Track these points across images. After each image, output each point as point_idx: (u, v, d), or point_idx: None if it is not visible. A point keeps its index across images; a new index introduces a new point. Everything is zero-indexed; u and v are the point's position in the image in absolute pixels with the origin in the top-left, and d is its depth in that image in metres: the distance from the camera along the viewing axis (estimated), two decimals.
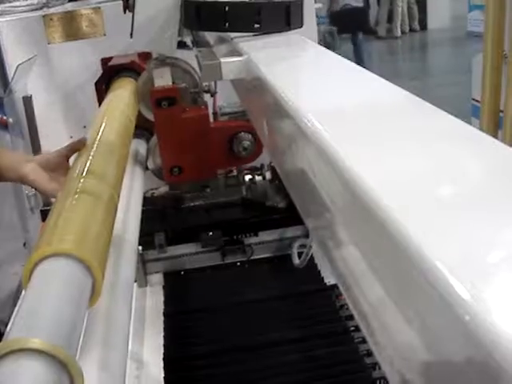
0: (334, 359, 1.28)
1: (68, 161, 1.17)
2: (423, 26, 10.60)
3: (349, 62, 0.65)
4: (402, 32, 10.42)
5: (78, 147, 1.16)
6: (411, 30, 10.59)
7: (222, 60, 0.82)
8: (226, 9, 0.91)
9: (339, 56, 0.68)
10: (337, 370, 1.25)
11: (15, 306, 1.00)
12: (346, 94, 0.55)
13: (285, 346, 1.33)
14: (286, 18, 0.93)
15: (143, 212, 1.21)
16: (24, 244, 2.81)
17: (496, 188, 0.34)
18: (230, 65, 0.81)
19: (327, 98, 0.53)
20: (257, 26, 0.92)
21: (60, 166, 1.15)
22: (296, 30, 0.97)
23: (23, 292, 0.64)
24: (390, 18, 10.53)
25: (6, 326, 1.56)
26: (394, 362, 0.37)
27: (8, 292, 2.91)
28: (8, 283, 3.00)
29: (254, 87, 0.77)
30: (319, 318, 1.40)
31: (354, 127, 0.48)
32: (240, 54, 0.84)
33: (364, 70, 0.60)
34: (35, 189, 1.17)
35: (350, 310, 0.55)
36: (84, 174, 0.87)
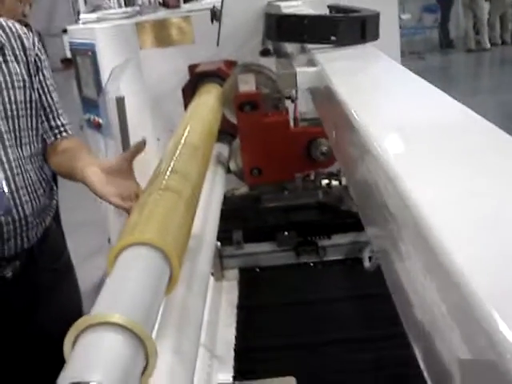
0: (397, 360, 1.31)
1: (130, 165, 1.23)
2: None
3: (416, 76, 0.68)
4: (494, 44, 10.17)
5: (138, 150, 1.22)
6: (503, 42, 10.31)
7: (298, 70, 0.86)
8: (305, 22, 0.96)
9: (408, 70, 0.71)
10: (400, 371, 1.28)
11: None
12: (409, 110, 0.58)
13: (351, 344, 1.37)
14: (361, 32, 0.97)
15: (223, 210, 1.28)
16: (108, 240, 2.93)
17: None
18: (304, 74, 0.85)
19: (391, 114, 0.57)
20: (333, 38, 0.96)
21: (121, 170, 1.22)
22: (374, 42, 1.01)
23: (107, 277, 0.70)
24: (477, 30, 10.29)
25: None
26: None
27: (92, 285, 3.05)
28: (92, 276, 3.14)
29: (325, 96, 0.81)
30: (385, 321, 1.43)
31: (415, 146, 0.51)
32: (315, 65, 0.89)
33: (431, 86, 0.63)
34: (92, 190, 1.24)
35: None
36: (168, 172, 0.93)
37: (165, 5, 2.51)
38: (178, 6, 2.48)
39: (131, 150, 1.23)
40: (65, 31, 12.83)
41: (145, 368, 0.57)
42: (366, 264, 1.60)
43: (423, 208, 0.39)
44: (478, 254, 0.33)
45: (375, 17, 0.99)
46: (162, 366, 0.63)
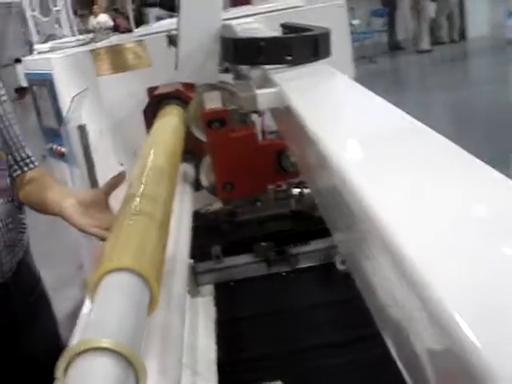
0: (374, 361, 1.35)
1: (107, 198, 1.25)
2: (462, 35, 10.56)
3: (367, 90, 0.73)
4: (441, 42, 10.40)
5: (117, 183, 1.24)
6: (451, 41, 10.55)
7: (258, 92, 0.89)
8: (261, 44, 0.99)
9: (359, 85, 0.75)
10: (378, 370, 1.32)
11: (73, 326, 1.09)
12: (361, 122, 0.63)
13: (329, 349, 1.41)
14: (314, 50, 1.01)
15: (199, 227, 1.30)
16: (77, 267, 2.93)
17: None
18: (264, 96, 0.88)
19: (345, 127, 0.61)
20: (288, 58, 1.00)
21: (98, 202, 1.24)
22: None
23: (90, 303, 0.72)
24: (432, 32, 10.53)
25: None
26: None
27: (65, 313, 3.03)
28: (66, 305, 3.13)
29: (285, 115, 0.84)
30: (360, 323, 1.48)
31: (367, 154, 0.55)
32: (273, 85, 0.92)
33: (380, 98, 0.68)
34: (70, 223, 1.25)
35: None
36: (138, 197, 0.96)
37: (116, 30, 2.53)
38: (130, 30, 2.50)
39: (109, 183, 1.24)
40: (17, 61, 12.72)
41: None
42: (340, 266, 1.66)
43: (377, 211, 0.43)
44: (433, 253, 0.37)
45: (326, 34, 1.03)
46: None
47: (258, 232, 1.75)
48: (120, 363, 0.57)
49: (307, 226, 1.74)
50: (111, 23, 9.06)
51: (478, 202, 0.41)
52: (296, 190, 1.79)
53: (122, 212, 0.91)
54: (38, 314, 1.64)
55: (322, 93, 0.77)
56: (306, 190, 1.77)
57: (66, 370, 0.58)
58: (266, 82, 0.95)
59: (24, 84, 12.25)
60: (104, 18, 10.16)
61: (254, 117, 1.64)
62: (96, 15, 10.48)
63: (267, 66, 1.03)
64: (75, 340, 0.64)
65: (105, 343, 0.57)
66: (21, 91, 12.26)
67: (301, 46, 1.00)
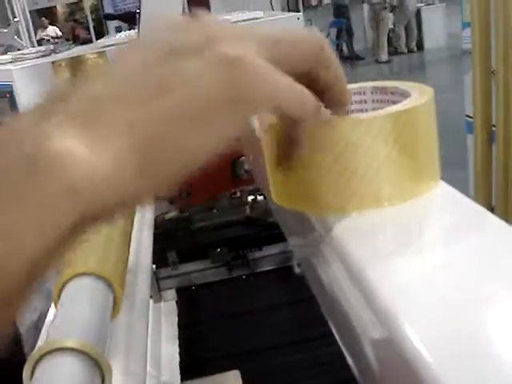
0: (331, 357, 1.40)
1: None
2: (420, 46, 10.75)
3: None
4: (400, 53, 10.59)
5: None
6: (409, 51, 10.74)
7: None
8: None
9: None
10: (333, 367, 1.37)
11: (36, 337, 1.10)
12: None
13: (287, 347, 1.45)
14: None
15: (157, 234, 1.33)
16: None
17: None
18: None
19: None
20: None
21: None
22: None
23: (54, 308, 0.74)
24: (390, 42, 10.71)
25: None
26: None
27: (29, 325, 3.01)
28: (29, 316, 3.10)
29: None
30: (317, 322, 1.53)
31: None
32: None
33: None
34: None
35: None
36: None
37: (76, 39, 2.55)
38: (90, 41, 2.52)
39: None
40: None
41: None
42: (296, 270, 1.70)
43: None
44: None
45: None
46: None
47: (213, 238, 1.78)
48: (86, 362, 0.59)
49: (261, 231, 1.79)
50: (59, 33, 8.99)
51: None
52: (250, 197, 1.83)
53: None
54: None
55: None
56: (259, 197, 1.82)
57: (32, 371, 0.60)
58: None
59: None
60: (52, 32, 10.10)
61: None
62: (44, 28, 10.39)
63: None
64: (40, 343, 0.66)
65: (70, 343, 0.60)
66: None
67: None
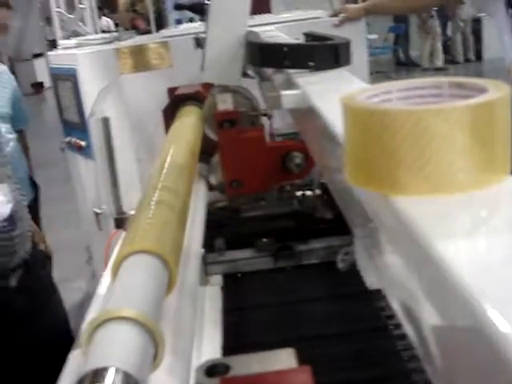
0: (372, 353, 1.41)
1: None
2: (478, 56, 10.56)
3: None
4: (456, 62, 10.42)
5: None
6: (466, 60, 10.56)
7: (283, 93, 0.95)
8: (285, 49, 1.05)
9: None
10: (376, 362, 1.38)
11: (81, 317, 1.13)
12: None
13: (329, 339, 1.47)
14: (335, 58, 1.07)
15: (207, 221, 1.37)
16: (88, 260, 2.97)
17: None
18: (288, 97, 0.94)
19: None
20: (311, 63, 1.06)
21: None
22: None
23: (112, 281, 0.77)
24: (447, 50, 10.56)
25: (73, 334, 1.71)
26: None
27: (72, 305, 3.09)
28: (73, 296, 3.18)
29: (307, 115, 0.90)
30: (360, 317, 1.54)
31: None
32: (297, 88, 0.98)
33: None
34: None
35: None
36: (158, 190, 1.01)
37: (134, 29, 2.60)
38: (148, 32, 2.56)
39: None
40: (35, 56, 12.80)
41: (155, 356, 0.64)
42: (340, 265, 1.72)
43: (400, 205, 0.47)
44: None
45: (346, 44, 1.09)
46: (162, 363, 0.67)
47: (260, 228, 1.82)
48: (140, 331, 0.61)
49: (307, 225, 1.81)
50: (112, 26, 9.12)
51: None
52: (299, 192, 1.86)
53: (143, 201, 0.96)
54: (50, 295, 1.70)
55: (340, 95, 0.82)
56: (308, 193, 1.84)
57: (89, 338, 0.62)
58: (288, 86, 1.00)
59: (41, 79, 12.33)
60: (104, 23, 10.26)
61: (263, 119, 1.71)
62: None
63: (290, 71, 1.09)
64: (93, 314, 0.68)
65: (127, 313, 0.62)
66: (36, 86, 12.40)
67: (323, 53, 1.06)
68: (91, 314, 1.21)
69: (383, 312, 1.53)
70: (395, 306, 0.60)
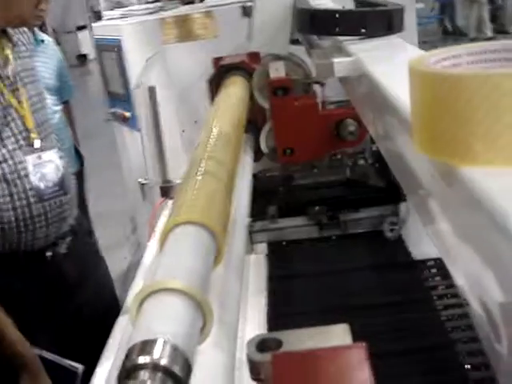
0: (416, 323, 1.39)
1: None
2: None
3: None
4: (504, 32, 10.16)
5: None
6: None
7: (335, 60, 0.92)
8: (337, 16, 1.02)
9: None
10: (418, 333, 1.37)
11: (125, 287, 1.14)
12: None
13: (373, 309, 1.45)
14: (388, 24, 1.03)
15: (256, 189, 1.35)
16: (133, 230, 3.00)
17: None
18: (341, 64, 0.91)
19: None
20: (363, 30, 1.03)
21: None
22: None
23: (160, 251, 0.76)
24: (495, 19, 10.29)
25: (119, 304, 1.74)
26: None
27: (117, 274, 3.13)
28: (118, 266, 3.22)
29: (361, 83, 0.87)
30: (405, 288, 1.53)
31: None
32: (349, 55, 0.94)
33: None
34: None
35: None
36: (205, 160, 0.99)
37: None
38: (193, 1, 2.54)
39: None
40: (79, 28, 12.89)
41: (202, 328, 0.63)
42: (388, 234, 1.71)
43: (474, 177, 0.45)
44: None
45: (400, 10, 1.05)
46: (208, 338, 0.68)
47: (312, 196, 1.82)
48: (189, 302, 0.60)
49: (359, 193, 1.80)
50: None
51: None
52: (351, 160, 1.84)
53: (189, 172, 0.95)
54: (98, 262, 1.73)
55: (398, 63, 0.79)
56: (360, 161, 1.83)
57: (137, 308, 0.62)
58: (339, 53, 0.97)
59: (85, 51, 12.42)
60: None
61: (316, 87, 1.69)
62: None
63: (341, 38, 1.06)
64: (139, 284, 0.67)
65: (176, 284, 0.61)
66: (81, 58, 12.50)
67: (376, 19, 1.02)
68: (137, 285, 1.22)
69: (427, 283, 1.52)
70: (454, 274, 0.57)
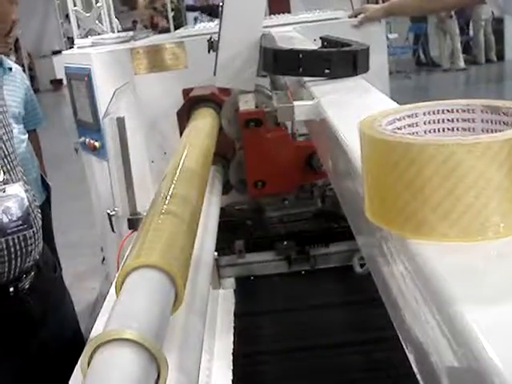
0: (387, 363, 1.37)
1: None
2: (500, 56, 10.44)
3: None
4: (476, 63, 10.32)
5: None
6: (488, 60, 10.44)
7: (295, 104, 0.91)
8: (300, 56, 1.01)
9: (393, 102, 0.76)
10: (390, 373, 1.34)
11: (92, 319, 1.11)
12: None
13: (342, 348, 1.43)
14: (353, 65, 1.02)
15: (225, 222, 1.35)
16: (102, 260, 2.96)
17: None
18: (301, 108, 0.90)
19: None
20: (327, 71, 1.02)
21: None
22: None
23: (116, 296, 0.74)
24: (467, 50, 10.45)
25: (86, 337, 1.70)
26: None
27: (85, 305, 3.07)
28: (86, 297, 3.17)
29: (321, 128, 0.85)
30: (375, 325, 1.51)
31: None
32: (311, 98, 0.93)
33: None
34: None
35: None
36: (168, 197, 0.97)
37: (154, 28, 2.57)
38: (168, 30, 2.54)
39: None
40: (55, 53, 12.88)
41: (156, 382, 0.61)
42: (357, 269, 1.70)
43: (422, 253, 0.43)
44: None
45: (365, 51, 1.04)
46: None
47: (281, 230, 1.81)
48: (143, 356, 0.58)
49: (330, 227, 1.79)
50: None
51: None
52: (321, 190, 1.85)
53: (151, 211, 0.93)
54: (62, 298, 1.69)
55: (359, 108, 0.78)
56: (330, 192, 1.84)
57: (90, 358, 0.60)
58: (302, 90, 0.97)
59: (60, 76, 12.40)
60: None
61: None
62: None
63: (305, 78, 1.05)
64: (98, 331, 0.65)
65: (129, 335, 0.59)
66: (56, 83, 12.46)
67: (340, 60, 1.01)
68: (96, 330, 1.19)
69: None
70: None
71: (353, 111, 0.77)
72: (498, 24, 10.27)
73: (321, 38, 1.28)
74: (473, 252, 0.39)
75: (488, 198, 0.39)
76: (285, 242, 1.74)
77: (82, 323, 1.86)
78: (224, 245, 1.64)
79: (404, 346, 0.50)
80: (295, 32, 1.92)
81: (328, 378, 1.36)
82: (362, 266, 1.72)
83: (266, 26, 1.68)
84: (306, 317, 1.59)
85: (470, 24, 10.54)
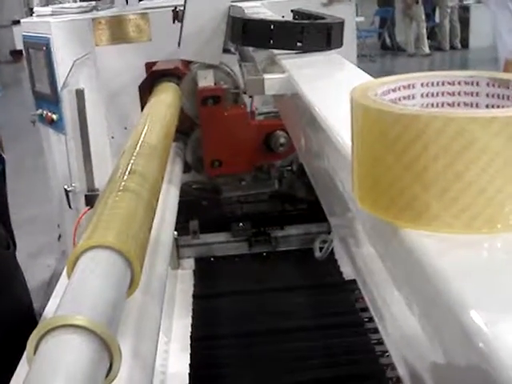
0: (346, 348, 1.36)
1: None
2: (465, 44, 10.54)
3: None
4: (441, 49, 10.42)
5: None
6: (452, 47, 10.55)
7: (266, 76, 0.86)
8: (272, 27, 0.97)
9: (369, 76, 0.73)
10: (348, 359, 1.33)
11: (47, 296, 1.06)
12: None
13: (301, 333, 1.41)
14: (327, 39, 0.98)
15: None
16: (58, 237, 2.89)
17: None
18: (272, 81, 0.85)
19: None
20: (299, 44, 0.97)
21: None
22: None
23: (67, 279, 0.69)
24: (432, 36, 10.54)
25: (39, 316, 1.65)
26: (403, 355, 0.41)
27: (40, 282, 3.00)
28: (41, 274, 3.09)
29: (292, 101, 0.82)
30: (334, 310, 1.49)
31: None
32: (282, 71, 0.89)
33: None
34: None
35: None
36: (127, 174, 0.92)
37: None
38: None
39: None
40: (15, 23, 12.58)
41: (108, 371, 0.57)
42: (317, 254, 1.67)
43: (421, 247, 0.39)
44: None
45: (340, 24, 1.00)
46: (121, 371, 0.62)
47: (237, 211, 1.78)
48: (93, 342, 0.54)
49: (288, 209, 1.78)
50: None
51: None
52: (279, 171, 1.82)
53: (108, 188, 0.88)
54: (14, 278, 1.64)
55: (332, 82, 0.74)
56: (287, 174, 1.80)
57: (36, 345, 0.55)
58: (272, 66, 0.92)
59: (20, 47, 12.14)
60: None
61: (245, 97, 1.65)
62: None
63: (275, 51, 1.01)
64: (50, 313, 0.60)
65: (79, 321, 0.54)
66: (16, 54, 12.17)
67: (313, 33, 0.97)
68: (48, 312, 1.14)
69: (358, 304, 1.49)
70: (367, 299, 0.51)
71: (328, 86, 0.73)
72: (464, 12, 10.35)
73: (292, 10, 1.24)
74: (482, 246, 0.34)
75: (504, 182, 0.33)
76: (240, 224, 1.70)
77: (36, 302, 1.80)
78: (185, 224, 1.59)
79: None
80: (263, 8, 1.87)
81: (287, 362, 1.34)
82: (321, 249, 1.70)
83: (234, 1, 1.63)
84: (266, 299, 1.56)
85: (436, 10, 10.60)
